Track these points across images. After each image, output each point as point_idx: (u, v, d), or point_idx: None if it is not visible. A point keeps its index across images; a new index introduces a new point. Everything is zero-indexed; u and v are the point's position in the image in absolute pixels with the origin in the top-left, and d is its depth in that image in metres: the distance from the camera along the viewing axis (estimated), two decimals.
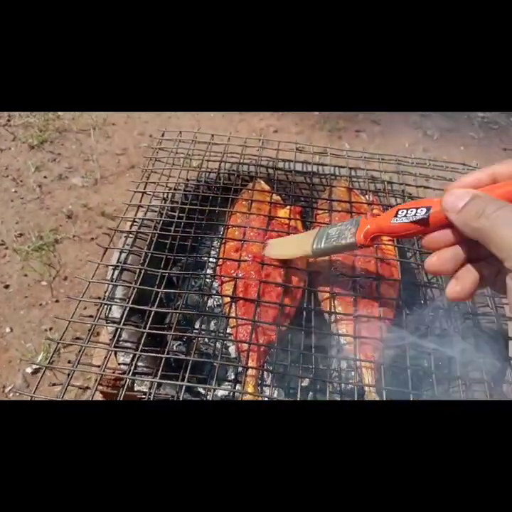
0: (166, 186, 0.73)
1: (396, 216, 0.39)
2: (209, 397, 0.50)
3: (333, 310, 0.56)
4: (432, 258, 0.35)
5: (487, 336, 0.56)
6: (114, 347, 0.52)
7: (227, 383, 0.60)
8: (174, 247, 0.62)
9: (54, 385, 0.99)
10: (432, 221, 0.35)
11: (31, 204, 1.40)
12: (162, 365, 0.49)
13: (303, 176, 0.79)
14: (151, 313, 0.53)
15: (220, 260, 0.62)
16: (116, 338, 0.52)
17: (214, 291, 0.67)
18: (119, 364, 0.53)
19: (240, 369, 0.58)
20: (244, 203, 0.69)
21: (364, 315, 0.56)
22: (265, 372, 0.58)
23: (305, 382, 0.58)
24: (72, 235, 1.32)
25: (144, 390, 0.51)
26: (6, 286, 1.18)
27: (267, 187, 0.73)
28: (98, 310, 0.55)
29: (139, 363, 0.53)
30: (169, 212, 0.68)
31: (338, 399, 0.56)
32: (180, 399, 0.48)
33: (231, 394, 0.58)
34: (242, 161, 0.78)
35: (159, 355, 0.50)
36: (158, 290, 0.56)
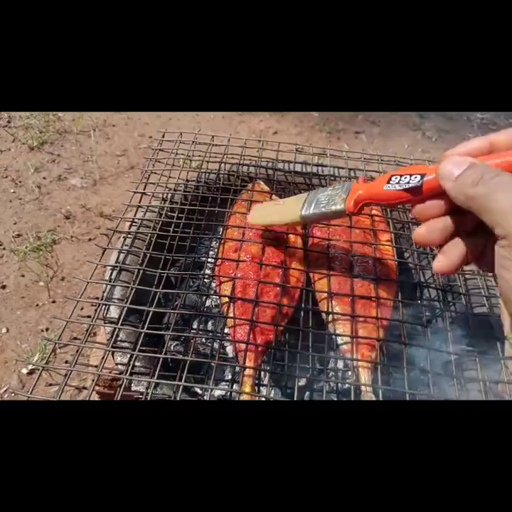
0: (166, 187, 0.73)
1: (389, 182, 0.38)
2: (206, 398, 0.50)
3: (330, 310, 0.56)
4: (422, 228, 0.34)
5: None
6: (112, 347, 0.52)
7: (224, 383, 0.60)
8: (173, 248, 0.62)
9: (50, 385, 0.99)
10: (425, 189, 0.34)
11: (30, 205, 1.40)
12: (159, 365, 0.49)
13: (302, 177, 0.79)
14: (149, 313, 0.53)
15: (219, 260, 0.62)
16: (113, 338, 0.52)
17: (212, 292, 0.67)
18: (117, 364, 0.53)
19: (237, 369, 0.58)
20: (243, 203, 0.69)
21: (361, 315, 0.56)
22: (262, 372, 0.58)
23: (302, 382, 0.58)
24: (70, 236, 1.32)
25: (142, 390, 0.51)
26: (3, 287, 1.18)
27: (266, 188, 0.74)
28: (96, 310, 0.55)
29: (137, 363, 0.52)
30: (168, 213, 0.69)
31: (335, 399, 0.56)
32: (178, 399, 0.48)
33: (228, 394, 0.58)
34: (241, 162, 0.78)
35: (157, 355, 0.50)
36: (157, 290, 0.56)
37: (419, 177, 0.35)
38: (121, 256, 0.62)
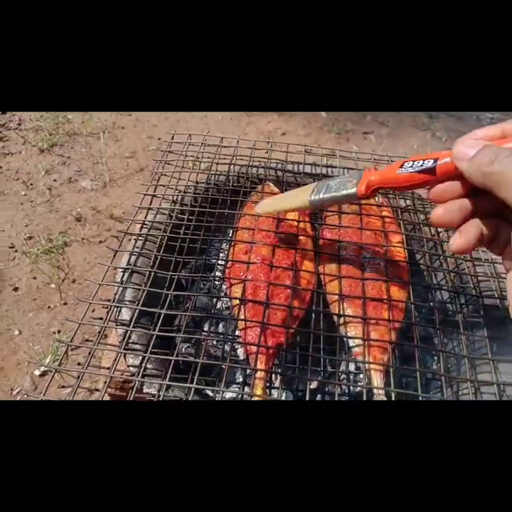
0: (176, 189, 0.73)
1: (402, 167, 0.38)
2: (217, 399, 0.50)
3: (342, 312, 0.56)
4: (439, 209, 0.35)
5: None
6: (124, 349, 0.52)
7: (235, 386, 0.60)
8: (183, 250, 0.62)
9: (63, 387, 1.00)
10: (439, 171, 0.35)
11: (41, 207, 1.41)
12: (171, 367, 0.49)
13: (312, 178, 0.79)
14: (161, 315, 0.53)
15: (229, 262, 0.62)
16: (125, 340, 0.53)
17: (223, 294, 0.67)
18: (128, 366, 0.53)
19: (248, 371, 0.58)
20: (253, 205, 0.69)
21: (373, 317, 0.55)
22: (274, 375, 0.57)
23: (313, 385, 0.58)
24: (81, 238, 1.33)
25: (153, 392, 0.51)
26: (15, 289, 1.19)
27: (276, 189, 0.73)
28: (108, 312, 0.56)
29: (148, 365, 0.53)
30: (179, 215, 0.69)
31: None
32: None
33: (239, 396, 0.58)
34: (251, 163, 0.78)
35: (168, 357, 0.50)
36: (168, 292, 0.56)
37: (432, 160, 0.35)
38: (133, 258, 0.62)
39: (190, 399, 0.48)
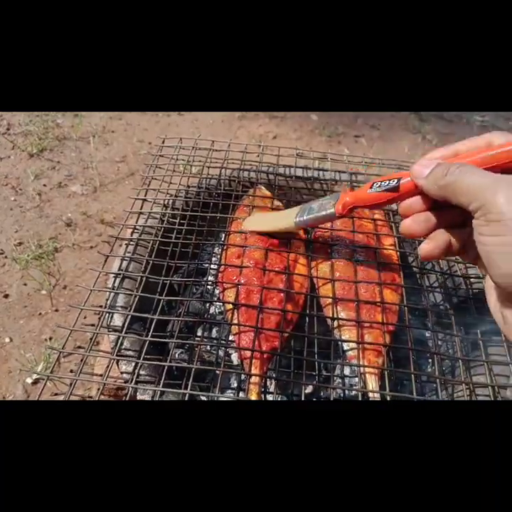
0: (167, 193, 0.73)
1: (371, 188, 0.44)
2: None
3: (335, 316, 0.56)
4: (407, 220, 0.39)
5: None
6: (116, 355, 0.51)
7: (230, 391, 0.60)
8: (175, 254, 0.62)
9: (55, 395, 0.98)
10: (402, 189, 0.40)
11: (30, 212, 1.39)
12: (164, 373, 0.49)
13: (303, 182, 0.79)
14: (153, 320, 0.53)
15: (222, 267, 0.62)
16: (118, 346, 0.52)
17: (216, 298, 0.67)
18: (122, 373, 0.52)
19: (242, 377, 0.57)
20: (245, 208, 0.69)
21: (367, 320, 0.55)
22: (268, 380, 0.57)
23: (308, 389, 0.57)
24: (72, 244, 1.32)
25: (147, 399, 0.50)
26: (6, 296, 1.18)
27: (267, 193, 0.73)
28: (100, 318, 0.55)
29: (141, 372, 0.52)
30: (170, 219, 0.68)
31: None
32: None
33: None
34: (242, 167, 0.78)
35: (162, 363, 0.50)
36: (160, 298, 0.56)
37: (396, 180, 0.41)
38: (124, 263, 0.62)
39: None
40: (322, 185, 0.79)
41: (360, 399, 0.49)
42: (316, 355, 0.52)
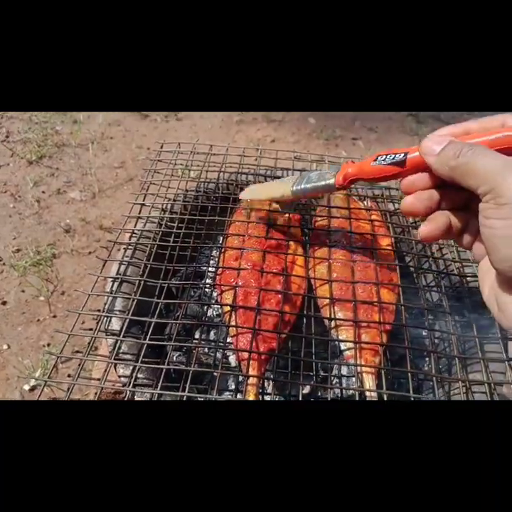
0: (165, 197, 0.73)
1: (375, 160, 0.42)
2: None
3: (333, 316, 0.56)
4: (409, 197, 0.38)
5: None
6: (114, 359, 0.51)
7: (228, 393, 0.60)
8: (173, 258, 0.62)
9: (53, 399, 0.98)
10: (409, 164, 0.38)
11: (29, 219, 1.40)
12: (162, 376, 0.49)
13: None
14: (151, 324, 0.53)
15: (220, 269, 0.62)
16: (115, 350, 0.52)
17: (214, 301, 0.67)
18: (119, 376, 0.52)
19: (240, 378, 0.58)
20: (243, 211, 0.69)
21: (364, 320, 0.55)
22: (266, 381, 0.57)
23: (306, 390, 0.57)
24: (70, 250, 1.32)
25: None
26: (4, 303, 1.18)
27: None
28: (98, 322, 0.55)
29: (139, 375, 0.52)
30: (168, 223, 0.69)
31: None
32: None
33: None
34: (240, 170, 0.78)
35: (159, 366, 0.50)
36: (158, 301, 0.56)
37: (403, 154, 0.39)
38: (122, 267, 0.62)
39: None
40: None
41: (357, 398, 0.49)
42: (313, 356, 0.53)
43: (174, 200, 0.73)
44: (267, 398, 0.54)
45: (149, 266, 0.60)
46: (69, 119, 1.80)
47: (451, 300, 0.62)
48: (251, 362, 0.52)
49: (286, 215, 0.68)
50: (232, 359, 0.63)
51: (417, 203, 0.38)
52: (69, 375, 1.01)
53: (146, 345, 0.52)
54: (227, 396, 0.59)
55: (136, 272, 0.62)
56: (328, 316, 0.57)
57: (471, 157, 0.33)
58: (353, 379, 0.59)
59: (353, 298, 0.57)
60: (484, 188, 0.32)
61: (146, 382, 0.52)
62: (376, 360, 0.54)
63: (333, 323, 0.56)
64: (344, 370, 0.62)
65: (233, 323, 0.56)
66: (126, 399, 0.49)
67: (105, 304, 0.58)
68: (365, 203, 0.74)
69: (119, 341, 0.53)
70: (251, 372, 0.51)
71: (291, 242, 0.64)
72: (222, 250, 0.64)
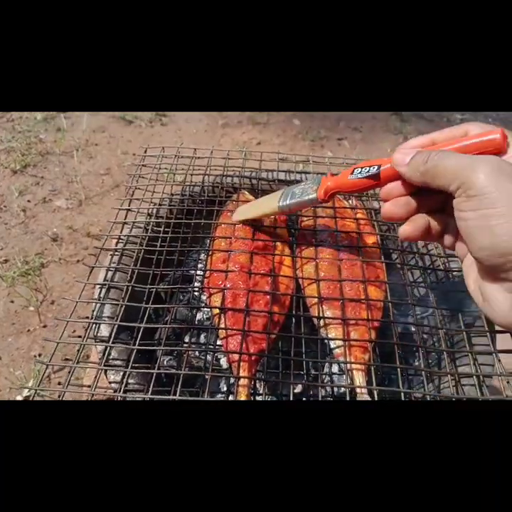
0: (151, 202, 0.73)
1: (352, 173, 0.45)
2: None
3: (321, 315, 0.57)
4: (388, 204, 0.41)
5: None
6: (104, 365, 0.51)
7: (219, 395, 0.60)
8: (161, 262, 0.62)
9: None
10: (383, 176, 0.41)
11: (15, 229, 1.39)
12: (153, 380, 0.49)
13: (286, 185, 0.79)
14: (140, 329, 0.53)
15: (207, 272, 0.62)
16: (105, 356, 0.52)
17: (202, 304, 0.67)
18: (110, 382, 0.52)
19: (232, 380, 0.58)
20: (229, 214, 0.70)
21: (352, 318, 0.56)
22: (258, 381, 0.57)
23: (298, 389, 0.58)
24: (59, 258, 1.31)
25: None
26: None
27: (251, 197, 0.74)
28: (86, 329, 0.55)
29: (130, 380, 0.52)
30: (155, 228, 0.68)
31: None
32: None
33: None
34: (225, 173, 0.78)
35: (150, 370, 0.50)
36: (147, 306, 0.56)
37: (376, 167, 0.42)
38: (109, 274, 0.62)
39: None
40: None
41: (347, 395, 0.50)
42: (303, 355, 0.53)
43: (160, 205, 0.73)
44: (259, 398, 0.54)
45: (137, 271, 0.60)
46: (52, 127, 1.80)
47: (438, 295, 0.63)
48: (241, 363, 0.52)
49: (272, 216, 0.68)
50: (224, 361, 0.63)
51: (395, 209, 0.40)
52: (59, 383, 1.00)
53: (135, 350, 0.51)
54: (218, 398, 0.59)
55: (124, 277, 0.61)
56: (316, 315, 0.57)
57: (438, 160, 0.36)
58: (344, 376, 0.59)
59: (340, 296, 0.58)
60: (455, 184, 0.34)
61: (137, 388, 0.52)
62: (365, 356, 0.54)
63: (321, 322, 0.57)
64: (335, 368, 0.62)
65: (222, 325, 0.56)
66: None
67: (93, 311, 0.58)
68: (350, 201, 0.75)
69: (108, 348, 0.53)
70: (242, 373, 0.51)
71: (278, 243, 0.65)
72: (210, 253, 0.64)
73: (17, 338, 1.13)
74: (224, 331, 0.55)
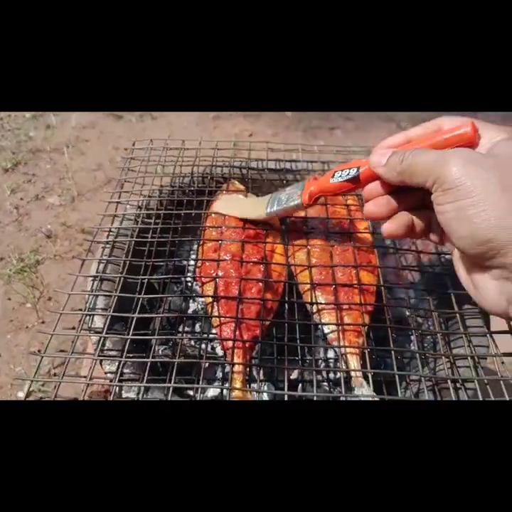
0: (141, 194, 0.73)
1: (333, 177, 0.47)
2: (198, 398, 0.50)
3: (314, 300, 0.57)
4: (369, 203, 0.43)
5: None
6: (99, 356, 0.51)
7: (216, 383, 0.60)
8: (152, 253, 0.62)
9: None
10: (363, 177, 0.43)
11: (9, 227, 1.38)
12: (148, 369, 0.49)
13: (276, 174, 0.80)
14: (134, 319, 0.53)
15: (199, 262, 0.62)
16: (99, 346, 0.52)
17: (195, 294, 0.67)
18: (106, 372, 0.52)
19: (227, 367, 0.58)
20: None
21: (345, 303, 0.56)
22: (253, 368, 0.58)
23: (294, 375, 0.58)
24: (54, 255, 1.31)
25: (132, 397, 0.50)
26: None
27: (241, 187, 0.74)
28: (80, 321, 0.55)
29: (125, 370, 0.52)
30: (145, 220, 0.68)
31: (327, 388, 0.57)
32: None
33: (220, 391, 0.58)
34: (214, 163, 0.78)
35: (145, 359, 0.50)
36: (140, 296, 0.56)
37: (356, 169, 0.44)
38: (101, 266, 0.62)
39: (169, 399, 0.48)
40: (295, 176, 0.79)
41: (342, 379, 0.49)
42: (298, 340, 0.53)
43: (150, 196, 0.73)
44: (254, 385, 0.54)
45: (128, 263, 0.60)
46: (42, 124, 1.78)
47: (431, 278, 0.63)
48: (235, 350, 0.52)
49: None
50: (219, 350, 0.64)
51: (376, 208, 0.42)
52: (55, 374, 1.01)
53: (130, 340, 0.52)
54: (214, 385, 0.59)
55: (116, 269, 0.61)
56: (309, 300, 0.57)
57: (413, 159, 0.37)
58: (339, 361, 0.60)
59: (333, 282, 0.58)
60: (430, 180, 0.35)
61: (132, 377, 0.52)
62: (359, 341, 0.54)
63: (315, 308, 0.57)
64: (330, 354, 0.63)
65: (216, 313, 0.56)
66: (113, 393, 0.49)
67: (87, 303, 0.58)
68: None
69: (102, 338, 0.53)
70: (236, 360, 0.52)
71: (270, 231, 0.65)
72: (201, 243, 0.64)
73: (16, 335, 1.13)
74: (217, 319, 0.56)
